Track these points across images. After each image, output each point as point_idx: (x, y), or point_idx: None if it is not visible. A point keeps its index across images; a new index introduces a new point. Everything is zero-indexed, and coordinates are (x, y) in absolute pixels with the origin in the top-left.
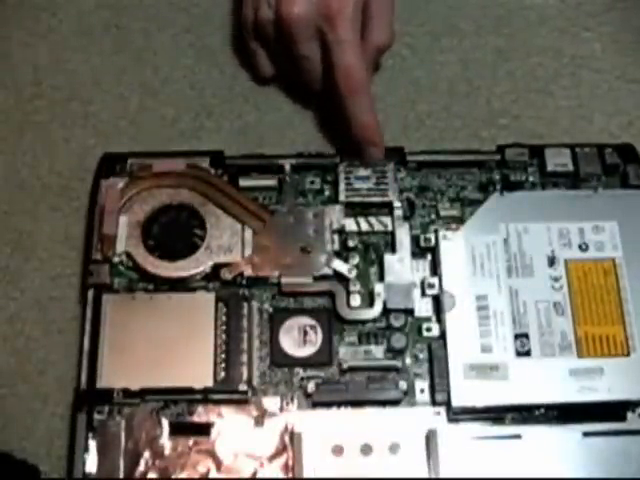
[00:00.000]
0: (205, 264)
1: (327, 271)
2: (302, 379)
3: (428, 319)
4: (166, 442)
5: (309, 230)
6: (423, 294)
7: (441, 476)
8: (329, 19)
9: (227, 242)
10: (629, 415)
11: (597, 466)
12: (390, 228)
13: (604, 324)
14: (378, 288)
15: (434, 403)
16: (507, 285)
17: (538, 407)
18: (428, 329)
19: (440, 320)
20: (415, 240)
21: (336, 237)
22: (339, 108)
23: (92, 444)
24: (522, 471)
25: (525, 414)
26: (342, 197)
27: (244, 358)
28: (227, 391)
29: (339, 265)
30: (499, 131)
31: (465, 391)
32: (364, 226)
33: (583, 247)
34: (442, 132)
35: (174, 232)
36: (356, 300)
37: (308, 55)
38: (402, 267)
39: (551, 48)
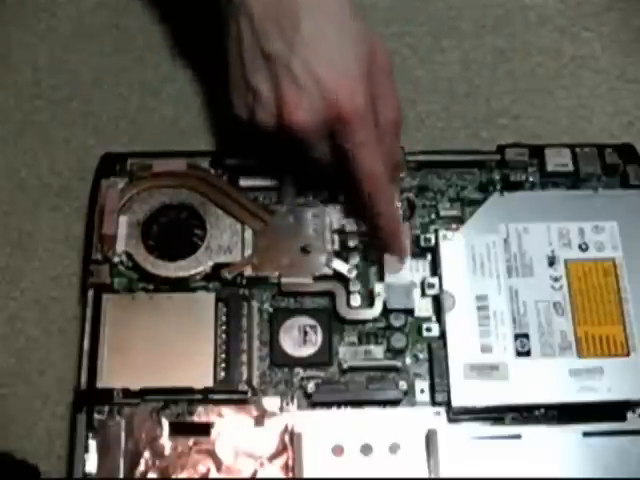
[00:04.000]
0: (205, 264)
1: (327, 271)
2: (302, 379)
3: (428, 319)
4: (166, 442)
5: (309, 230)
6: (423, 294)
7: (441, 476)
8: (343, 121)
9: (227, 242)
10: (629, 415)
11: (597, 466)
12: None
13: (604, 324)
14: (378, 288)
15: (434, 403)
16: (507, 285)
17: (538, 407)
18: (428, 329)
19: (440, 320)
20: (415, 240)
21: (336, 237)
22: (362, 205)
23: (92, 444)
24: (522, 471)
25: (525, 414)
26: (342, 197)
27: (244, 358)
28: (227, 391)
29: (339, 265)
30: (499, 131)
31: (465, 391)
32: (364, 226)
33: (583, 247)
34: (442, 132)
35: (174, 232)
36: (356, 300)
37: (319, 156)
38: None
39: (551, 48)
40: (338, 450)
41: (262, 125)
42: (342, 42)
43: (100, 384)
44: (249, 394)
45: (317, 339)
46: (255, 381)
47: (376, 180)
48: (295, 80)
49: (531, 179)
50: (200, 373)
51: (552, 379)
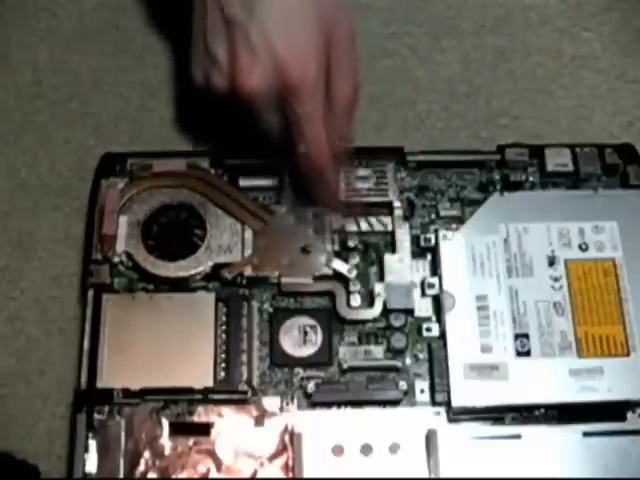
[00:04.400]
0: (205, 264)
1: (327, 271)
2: (302, 379)
3: (428, 319)
4: (166, 442)
5: (309, 230)
6: (423, 294)
7: (441, 476)
8: (290, 90)
9: (227, 242)
10: (629, 415)
11: (597, 466)
12: (390, 228)
13: (604, 324)
14: (378, 288)
15: (434, 403)
16: (507, 285)
17: (538, 407)
18: (428, 329)
19: (440, 320)
20: (415, 240)
21: (336, 237)
22: (302, 174)
23: (92, 444)
24: (522, 471)
25: (525, 414)
26: (342, 197)
27: (244, 358)
28: (227, 391)
29: (339, 265)
30: (499, 131)
31: (465, 391)
32: (364, 226)
33: (583, 247)
34: (442, 132)
35: (174, 232)
36: (356, 300)
37: (268, 124)
38: (402, 267)
39: (551, 48)
40: (338, 450)
41: (216, 89)
42: (302, 11)
43: (100, 384)
44: (249, 394)
45: (317, 339)
46: (255, 381)
47: (315, 159)
48: (251, 46)
49: (531, 179)
50: (200, 373)
51: (552, 379)
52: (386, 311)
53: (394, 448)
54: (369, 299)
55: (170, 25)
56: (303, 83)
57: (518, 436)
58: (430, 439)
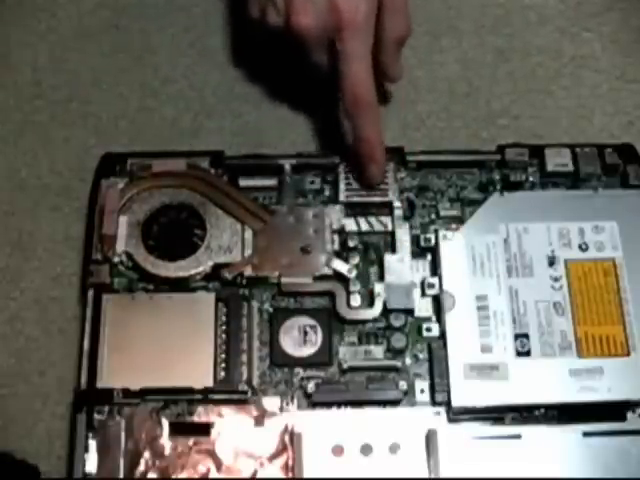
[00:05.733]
0: (205, 264)
1: (327, 271)
2: (302, 379)
3: (428, 319)
4: (166, 442)
5: (309, 230)
6: (423, 294)
7: (441, 476)
8: (339, 30)
9: (227, 242)
10: (629, 415)
11: (597, 466)
12: (390, 228)
13: (604, 324)
14: (378, 288)
15: (434, 403)
16: (507, 285)
17: (538, 407)
18: (428, 329)
19: (440, 320)
20: (415, 240)
21: (336, 237)
22: (343, 119)
23: (92, 444)
24: (522, 471)
25: (525, 414)
26: (342, 197)
27: (244, 358)
28: (227, 391)
29: (339, 265)
30: (499, 131)
31: (465, 391)
32: (364, 226)
33: (583, 247)
34: (442, 132)
35: (174, 232)
36: (356, 300)
37: (318, 63)
38: (402, 267)
39: (551, 48)
40: (338, 450)
41: (271, 25)
42: None
43: (100, 384)
44: (249, 394)
45: (317, 339)
46: (255, 381)
47: (360, 90)
48: None
49: (531, 179)
50: (200, 373)
51: (552, 379)
52: (386, 311)
53: (394, 448)
54: (369, 299)
55: (170, 25)
56: (354, 23)
57: (518, 436)
58: (430, 439)
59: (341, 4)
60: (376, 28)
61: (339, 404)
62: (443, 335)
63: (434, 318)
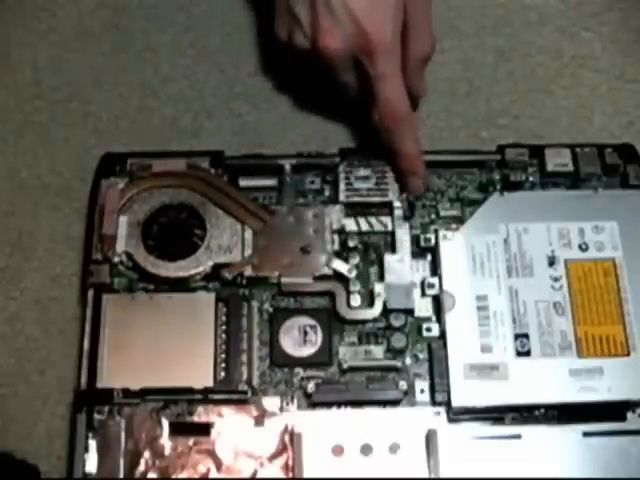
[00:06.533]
0: (205, 264)
1: (327, 271)
2: (302, 379)
3: (428, 319)
4: (166, 442)
5: (309, 230)
6: (423, 294)
7: (441, 476)
8: (368, 53)
9: (227, 242)
10: (629, 415)
11: (597, 466)
12: (390, 228)
13: (604, 324)
14: (378, 288)
15: (434, 403)
16: (507, 285)
17: (538, 407)
18: (428, 329)
19: (440, 320)
20: (415, 240)
21: (336, 237)
22: (383, 138)
23: (92, 444)
24: (522, 471)
25: (525, 414)
26: (342, 197)
27: (244, 358)
28: (227, 391)
29: (339, 265)
30: (499, 131)
31: (465, 391)
32: (364, 226)
33: (583, 247)
34: (442, 132)
35: (174, 232)
36: (356, 300)
37: (346, 83)
38: (402, 267)
39: (551, 48)
40: (338, 450)
41: (298, 47)
42: None
43: (100, 384)
44: (249, 394)
45: (317, 339)
46: (255, 381)
47: (396, 109)
48: (331, 11)
49: (531, 179)
50: (200, 373)
51: (552, 379)
52: (386, 311)
53: (394, 448)
54: (369, 299)
55: (170, 25)
56: (382, 45)
57: (518, 436)
58: (430, 439)
59: (368, 27)
60: (401, 46)
61: (339, 404)
62: (443, 335)
63: (434, 318)
